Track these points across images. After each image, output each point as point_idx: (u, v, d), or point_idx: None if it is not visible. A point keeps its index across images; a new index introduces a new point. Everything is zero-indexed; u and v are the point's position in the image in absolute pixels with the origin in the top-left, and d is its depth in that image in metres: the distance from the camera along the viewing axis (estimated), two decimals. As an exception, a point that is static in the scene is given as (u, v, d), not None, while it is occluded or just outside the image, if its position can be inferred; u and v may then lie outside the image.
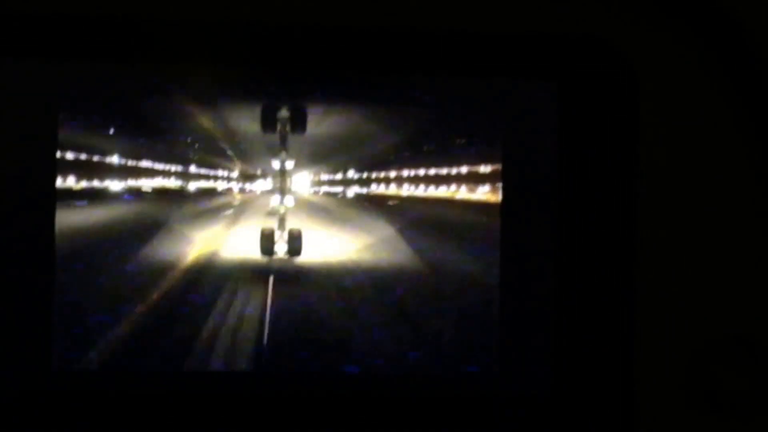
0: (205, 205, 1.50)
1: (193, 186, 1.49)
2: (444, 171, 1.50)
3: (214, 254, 1.47)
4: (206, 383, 1.38)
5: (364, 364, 1.41)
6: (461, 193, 1.49)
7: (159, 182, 1.47)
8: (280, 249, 1.50)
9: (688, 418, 1.34)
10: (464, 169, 1.48)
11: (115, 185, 1.45)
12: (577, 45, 1.33)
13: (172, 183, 1.48)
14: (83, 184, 1.41)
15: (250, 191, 1.51)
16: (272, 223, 1.51)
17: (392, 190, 1.52)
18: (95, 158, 1.43)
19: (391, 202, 1.51)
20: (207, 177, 1.50)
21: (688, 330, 1.34)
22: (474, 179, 1.46)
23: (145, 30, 1.29)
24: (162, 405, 1.33)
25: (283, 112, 1.45)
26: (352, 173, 1.51)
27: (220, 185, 1.51)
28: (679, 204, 1.34)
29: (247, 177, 1.51)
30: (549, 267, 1.36)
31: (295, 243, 1.49)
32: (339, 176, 1.51)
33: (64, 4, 1.27)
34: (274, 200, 1.51)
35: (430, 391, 1.39)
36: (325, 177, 1.51)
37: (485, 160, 1.44)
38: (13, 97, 1.29)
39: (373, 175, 1.51)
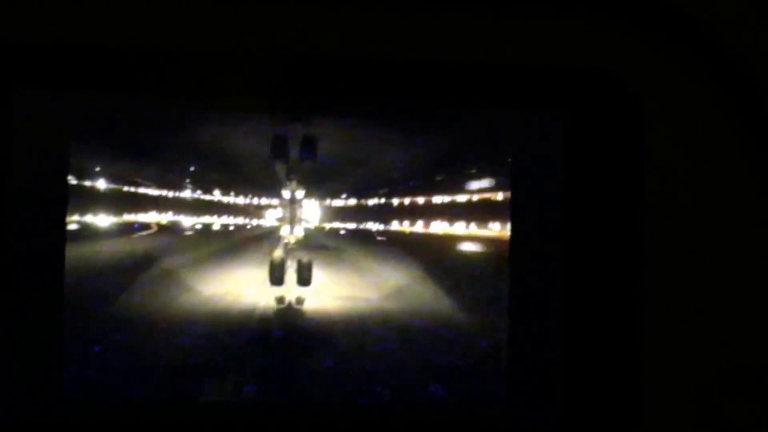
0: (212, 236, 1.51)
1: (201, 216, 1.50)
2: (453, 202, 1.50)
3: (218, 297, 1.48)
4: (211, 413, 1.38)
5: (373, 394, 1.41)
6: (469, 225, 1.50)
7: (165, 213, 1.48)
8: (290, 279, 1.50)
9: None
10: (474, 198, 1.48)
11: (124, 216, 1.46)
12: (584, 77, 1.34)
13: (180, 213, 1.49)
14: (90, 216, 1.42)
15: (261, 220, 1.52)
16: (282, 253, 1.51)
17: (398, 220, 1.52)
18: (103, 188, 1.44)
19: (395, 236, 1.52)
20: (216, 206, 1.50)
21: (697, 361, 1.34)
22: (482, 210, 1.47)
23: (155, 61, 1.31)
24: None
25: (294, 142, 1.46)
26: (358, 202, 1.52)
27: (229, 215, 1.51)
28: (685, 234, 1.34)
29: (257, 206, 1.51)
30: (557, 296, 1.35)
31: (304, 273, 1.50)
32: (346, 206, 1.52)
33: (78, 36, 1.29)
34: (284, 230, 1.51)
35: (438, 421, 1.38)
36: (334, 206, 1.52)
37: (494, 190, 1.45)
38: (26, 126, 1.31)
39: (382, 205, 1.52)
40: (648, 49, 1.34)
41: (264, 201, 1.51)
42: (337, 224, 1.51)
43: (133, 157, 1.45)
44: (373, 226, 1.52)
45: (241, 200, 1.51)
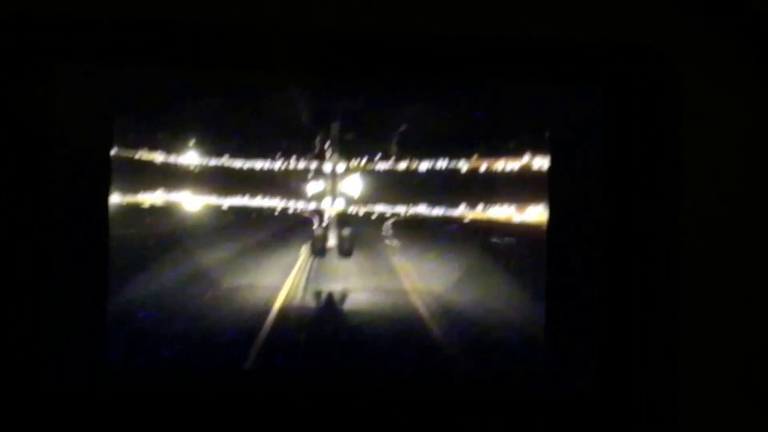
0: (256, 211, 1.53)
1: (241, 190, 1.52)
2: (493, 178, 1.50)
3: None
4: (240, 381, 1.42)
5: (414, 363, 1.43)
6: (510, 203, 1.50)
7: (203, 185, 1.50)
8: (331, 250, 1.52)
9: (733, 417, 1.33)
10: (514, 174, 1.48)
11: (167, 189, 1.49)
12: (624, 51, 1.34)
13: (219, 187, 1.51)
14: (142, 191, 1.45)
15: (302, 193, 1.54)
16: (323, 225, 1.53)
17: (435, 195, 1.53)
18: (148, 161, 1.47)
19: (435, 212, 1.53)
20: (258, 179, 1.52)
21: (734, 329, 1.34)
22: (522, 185, 1.47)
23: (198, 34, 1.33)
24: (206, 402, 1.35)
25: (336, 114, 1.47)
26: (398, 177, 1.53)
27: (271, 188, 1.53)
28: (724, 209, 1.34)
29: (298, 179, 1.53)
30: (595, 267, 1.37)
31: (345, 244, 1.52)
32: (387, 180, 1.53)
33: (120, 10, 1.31)
34: (326, 202, 1.53)
35: (477, 389, 1.40)
36: (375, 180, 1.53)
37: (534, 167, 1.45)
38: (70, 100, 1.34)
39: (420, 179, 1.52)
40: (688, 24, 1.34)
41: (306, 174, 1.53)
42: (378, 198, 1.53)
43: (174, 131, 1.47)
44: (412, 202, 1.53)
45: (282, 173, 1.52)
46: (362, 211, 1.53)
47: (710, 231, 1.34)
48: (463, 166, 1.50)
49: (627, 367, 1.36)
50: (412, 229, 1.52)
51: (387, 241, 1.54)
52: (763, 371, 1.34)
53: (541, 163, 1.42)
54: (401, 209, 1.52)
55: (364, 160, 1.52)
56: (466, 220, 1.51)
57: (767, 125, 1.34)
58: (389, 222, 1.53)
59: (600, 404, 1.36)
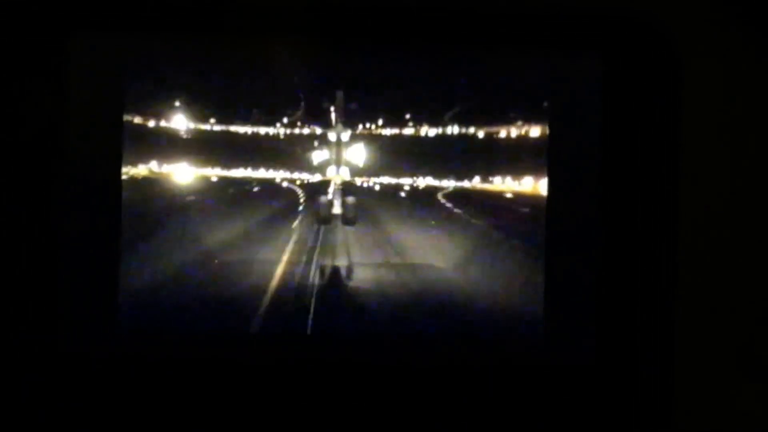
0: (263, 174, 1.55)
1: (248, 158, 1.54)
2: (491, 146, 1.52)
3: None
4: (257, 346, 1.44)
5: (415, 330, 1.46)
6: (509, 174, 1.52)
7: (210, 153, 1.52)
8: (336, 217, 1.55)
9: (730, 386, 1.37)
10: (513, 142, 1.50)
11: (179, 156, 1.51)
12: (623, 22, 1.35)
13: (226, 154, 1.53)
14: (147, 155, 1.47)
15: (307, 161, 1.56)
16: (328, 193, 1.55)
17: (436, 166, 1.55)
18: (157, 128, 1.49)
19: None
20: (263, 147, 1.54)
21: (732, 298, 1.37)
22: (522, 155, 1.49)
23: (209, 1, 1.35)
24: (221, 368, 1.40)
25: (340, 83, 1.49)
26: (402, 144, 1.55)
27: (276, 156, 1.55)
28: (722, 176, 1.36)
29: (303, 147, 1.55)
30: (594, 237, 1.39)
31: (349, 212, 1.54)
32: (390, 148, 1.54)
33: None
34: (330, 171, 1.55)
35: (477, 358, 1.43)
36: (379, 148, 1.55)
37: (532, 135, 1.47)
38: (81, 69, 1.36)
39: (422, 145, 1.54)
40: None
41: (310, 143, 1.55)
42: (381, 167, 1.55)
43: (184, 98, 1.48)
44: (414, 168, 1.55)
45: (287, 142, 1.54)
46: (366, 180, 1.55)
47: (708, 200, 1.36)
48: (464, 135, 1.51)
49: (624, 338, 1.38)
50: (413, 200, 1.54)
51: (389, 211, 1.56)
52: (761, 340, 1.37)
53: (541, 133, 1.44)
54: (404, 179, 1.54)
55: (367, 129, 1.54)
56: (467, 191, 1.53)
57: (766, 96, 1.36)
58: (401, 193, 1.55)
59: (598, 373, 1.39)
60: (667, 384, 1.36)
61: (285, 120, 1.52)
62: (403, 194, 1.55)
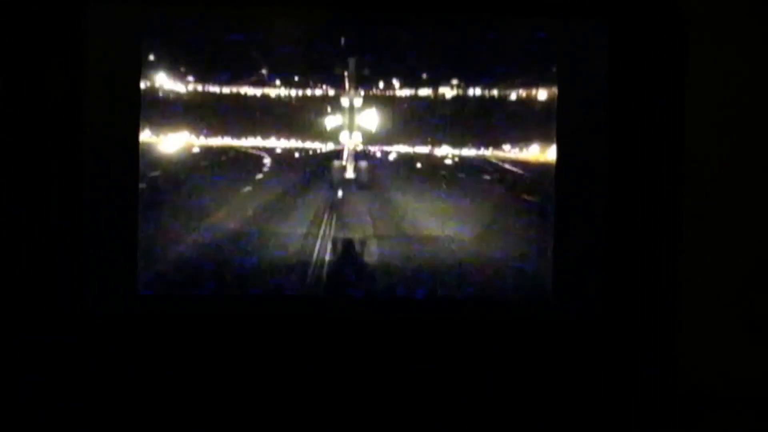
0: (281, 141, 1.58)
1: (266, 122, 1.57)
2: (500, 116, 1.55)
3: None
4: (274, 305, 1.48)
5: (428, 290, 1.50)
6: (520, 139, 1.54)
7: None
8: (350, 181, 1.58)
9: (730, 339, 1.41)
10: (524, 107, 1.52)
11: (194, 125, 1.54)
12: None
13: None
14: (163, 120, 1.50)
15: (321, 126, 1.59)
16: (341, 157, 1.58)
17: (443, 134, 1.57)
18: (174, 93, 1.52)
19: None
20: (278, 113, 1.57)
21: (734, 256, 1.41)
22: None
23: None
24: (237, 325, 1.44)
25: (352, 52, 1.52)
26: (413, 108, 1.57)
27: (290, 123, 1.58)
28: (724, 137, 1.39)
29: (317, 113, 1.58)
30: (600, 198, 1.43)
31: (362, 176, 1.57)
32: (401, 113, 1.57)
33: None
34: (343, 136, 1.58)
35: (488, 314, 1.48)
36: (390, 113, 1.57)
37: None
38: (99, 38, 1.40)
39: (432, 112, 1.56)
40: None
41: (324, 109, 1.57)
42: (392, 133, 1.57)
43: (201, 65, 1.51)
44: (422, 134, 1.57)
45: (301, 108, 1.57)
46: (378, 146, 1.58)
47: (711, 161, 1.39)
48: (475, 101, 1.54)
49: (630, 293, 1.42)
50: (426, 163, 1.57)
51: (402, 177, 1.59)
52: (762, 300, 1.40)
53: (550, 97, 1.48)
54: (416, 145, 1.57)
55: (379, 95, 1.56)
56: (478, 155, 1.55)
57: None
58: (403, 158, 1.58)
59: (604, 328, 1.43)
60: (670, 337, 1.41)
61: (298, 87, 1.55)
62: (417, 163, 1.57)
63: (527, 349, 1.43)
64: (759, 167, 1.39)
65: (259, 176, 1.56)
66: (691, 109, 1.38)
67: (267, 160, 1.56)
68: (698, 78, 1.37)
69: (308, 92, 1.55)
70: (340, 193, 1.58)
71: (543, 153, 1.50)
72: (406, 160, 1.57)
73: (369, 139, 1.57)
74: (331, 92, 1.56)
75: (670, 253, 1.40)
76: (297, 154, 1.57)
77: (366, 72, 1.54)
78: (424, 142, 1.56)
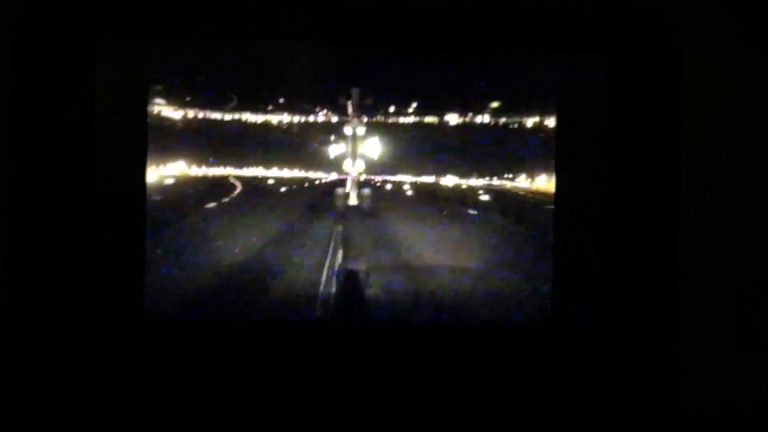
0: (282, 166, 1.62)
1: (271, 153, 1.60)
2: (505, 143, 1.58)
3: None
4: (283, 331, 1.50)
5: (426, 313, 1.53)
6: (519, 166, 1.57)
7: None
8: (353, 209, 1.61)
9: (730, 359, 1.43)
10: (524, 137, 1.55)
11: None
12: (625, 21, 1.41)
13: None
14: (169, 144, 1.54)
15: (324, 154, 1.62)
16: (344, 185, 1.62)
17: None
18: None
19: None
20: (282, 142, 1.61)
21: (731, 277, 1.43)
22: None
23: (226, 6, 1.41)
24: (249, 351, 1.46)
25: (355, 83, 1.56)
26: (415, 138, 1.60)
27: (294, 152, 1.61)
28: (720, 164, 1.42)
29: (321, 142, 1.61)
30: (599, 222, 1.45)
31: (364, 203, 1.60)
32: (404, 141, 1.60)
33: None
34: (347, 164, 1.61)
35: (488, 338, 1.49)
36: (393, 142, 1.60)
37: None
38: (108, 74, 1.43)
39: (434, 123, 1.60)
40: None
41: (327, 136, 1.61)
42: (396, 161, 1.60)
43: (206, 96, 1.55)
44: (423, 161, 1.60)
45: (304, 137, 1.60)
46: (380, 174, 1.61)
47: (707, 188, 1.42)
48: (476, 130, 1.57)
49: (630, 318, 1.44)
50: (429, 192, 1.60)
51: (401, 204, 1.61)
52: (760, 315, 1.42)
53: (549, 128, 1.51)
54: (419, 174, 1.60)
55: (381, 124, 1.60)
56: (480, 184, 1.58)
57: (764, 97, 1.42)
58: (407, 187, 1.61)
59: (604, 352, 1.45)
60: (671, 362, 1.43)
61: (303, 116, 1.58)
62: (420, 191, 1.60)
63: (527, 374, 1.45)
64: (753, 193, 1.42)
65: (262, 202, 1.59)
66: (687, 138, 1.41)
67: (269, 188, 1.59)
68: (693, 105, 1.40)
69: (312, 121, 1.58)
70: (343, 221, 1.61)
71: (543, 181, 1.53)
72: (408, 189, 1.60)
73: (372, 167, 1.61)
74: (335, 120, 1.59)
75: (669, 279, 1.42)
76: (300, 182, 1.60)
77: (369, 101, 1.57)
78: (427, 171, 1.59)
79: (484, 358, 1.46)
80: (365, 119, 1.59)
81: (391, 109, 1.58)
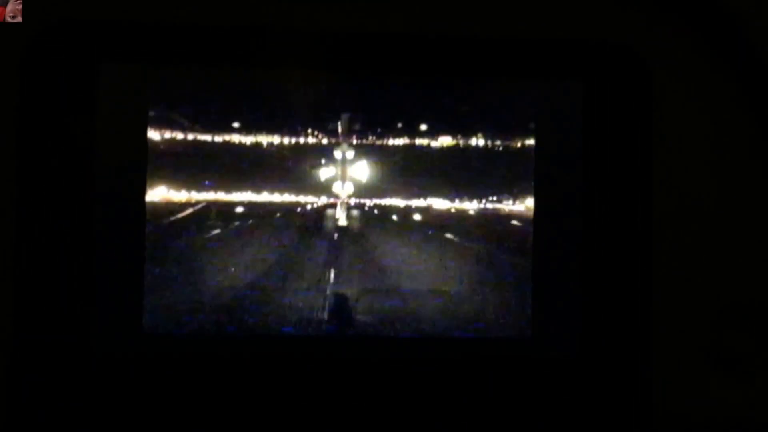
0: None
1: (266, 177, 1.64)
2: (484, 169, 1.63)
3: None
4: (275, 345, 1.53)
5: (412, 333, 1.56)
6: (500, 190, 1.62)
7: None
8: (342, 230, 1.65)
9: (702, 376, 1.47)
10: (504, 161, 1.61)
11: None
12: (599, 49, 1.46)
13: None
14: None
15: (314, 178, 1.66)
16: (333, 207, 1.67)
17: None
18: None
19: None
20: (273, 165, 1.65)
21: (702, 297, 1.47)
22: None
23: (227, 36, 1.45)
24: (239, 366, 1.48)
25: (344, 112, 1.61)
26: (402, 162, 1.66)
27: (284, 174, 1.66)
28: (690, 184, 1.47)
29: (311, 165, 1.66)
30: (576, 247, 1.49)
31: (353, 226, 1.65)
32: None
33: (151, 13, 1.44)
34: (336, 186, 1.66)
35: (469, 354, 1.52)
36: (380, 164, 1.65)
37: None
38: (110, 97, 1.46)
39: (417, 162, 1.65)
40: (661, 22, 1.45)
41: (317, 160, 1.65)
42: (382, 182, 1.65)
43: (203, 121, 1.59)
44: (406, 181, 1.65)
45: (296, 158, 1.64)
46: (369, 197, 1.65)
47: (679, 208, 1.47)
48: (460, 154, 1.62)
49: (606, 334, 1.47)
50: (412, 214, 1.64)
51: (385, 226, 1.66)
52: (732, 332, 1.46)
53: (528, 152, 1.55)
54: (407, 197, 1.65)
55: (370, 148, 1.64)
56: (464, 207, 1.64)
57: (733, 118, 1.47)
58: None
59: (581, 367, 1.48)
60: (645, 376, 1.46)
61: (294, 139, 1.63)
62: (397, 213, 1.65)
63: (507, 388, 1.48)
64: (725, 211, 1.47)
65: (255, 223, 1.63)
66: (659, 157, 1.46)
67: (262, 210, 1.63)
68: (665, 128, 1.45)
69: (303, 144, 1.63)
70: (333, 242, 1.65)
71: (524, 203, 1.58)
72: (396, 211, 1.64)
73: (361, 190, 1.65)
74: (325, 143, 1.64)
75: (644, 297, 1.46)
76: (290, 206, 1.63)
77: (358, 126, 1.62)
78: (414, 194, 1.64)
79: (467, 374, 1.49)
80: (354, 143, 1.63)
81: (380, 133, 1.63)
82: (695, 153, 1.47)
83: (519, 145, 1.58)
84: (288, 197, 1.63)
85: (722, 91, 1.46)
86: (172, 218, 1.58)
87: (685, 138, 1.47)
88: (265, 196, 1.63)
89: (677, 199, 1.46)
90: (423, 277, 1.63)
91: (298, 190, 1.64)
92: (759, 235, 1.47)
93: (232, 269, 1.59)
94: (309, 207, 1.64)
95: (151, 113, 1.50)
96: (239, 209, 1.61)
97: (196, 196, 1.60)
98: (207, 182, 1.60)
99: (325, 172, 1.65)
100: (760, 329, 1.46)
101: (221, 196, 1.61)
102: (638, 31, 1.46)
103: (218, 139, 1.60)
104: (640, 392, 1.46)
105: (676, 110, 1.46)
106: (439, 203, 1.64)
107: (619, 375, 1.47)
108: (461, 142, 1.61)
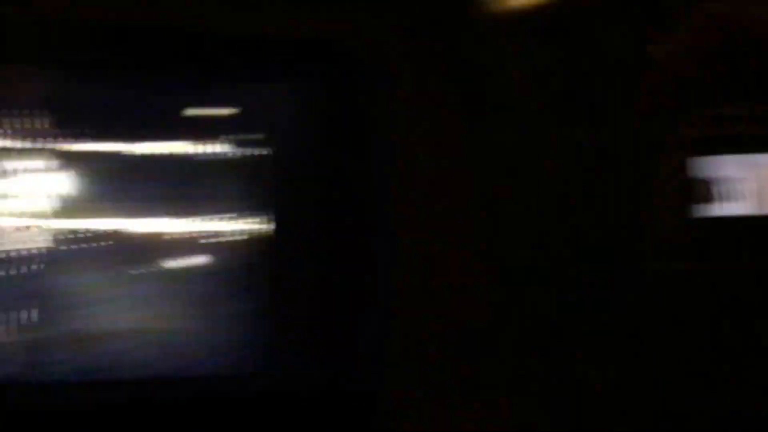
0: None
1: None
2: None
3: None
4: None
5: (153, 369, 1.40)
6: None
7: None
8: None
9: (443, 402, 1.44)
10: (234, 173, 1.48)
11: None
12: (318, 48, 1.42)
13: None
14: None
15: None
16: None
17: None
18: None
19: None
20: None
21: (449, 316, 1.46)
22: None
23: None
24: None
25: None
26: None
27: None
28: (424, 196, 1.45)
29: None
30: (316, 267, 1.46)
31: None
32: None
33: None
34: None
35: (208, 392, 1.43)
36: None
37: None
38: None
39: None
40: (385, 22, 1.43)
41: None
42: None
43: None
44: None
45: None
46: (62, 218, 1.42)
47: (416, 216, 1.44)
48: (179, 163, 1.45)
49: (342, 365, 1.46)
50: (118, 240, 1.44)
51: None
52: (481, 361, 1.47)
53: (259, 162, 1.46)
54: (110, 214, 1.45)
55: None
56: (182, 227, 1.46)
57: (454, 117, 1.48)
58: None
59: (314, 400, 1.43)
60: (382, 406, 1.43)
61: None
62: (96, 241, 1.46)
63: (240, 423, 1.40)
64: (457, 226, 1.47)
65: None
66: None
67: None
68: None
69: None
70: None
71: (252, 221, 1.46)
72: (95, 238, 1.42)
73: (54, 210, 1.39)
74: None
75: (385, 326, 1.45)
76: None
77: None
78: (120, 213, 1.44)
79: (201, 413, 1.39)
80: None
81: (78, 136, 1.40)
82: (425, 153, 1.46)
83: (250, 152, 1.47)
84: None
85: (443, 90, 1.47)
86: None
87: (414, 139, 1.45)
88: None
89: (416, 204, 1.45)
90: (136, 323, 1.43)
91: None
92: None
93: None
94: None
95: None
96: None
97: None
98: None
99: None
100: (501, 352, 1.48)
101: None
102: (360, 30, 1.42)
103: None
104: (377, 421, 1.43)
105: (405, 110, 1.45)
106: (151, 224, 1.45)
107: (352, 405, 1.44)
108: (180, 148, 1.45)
